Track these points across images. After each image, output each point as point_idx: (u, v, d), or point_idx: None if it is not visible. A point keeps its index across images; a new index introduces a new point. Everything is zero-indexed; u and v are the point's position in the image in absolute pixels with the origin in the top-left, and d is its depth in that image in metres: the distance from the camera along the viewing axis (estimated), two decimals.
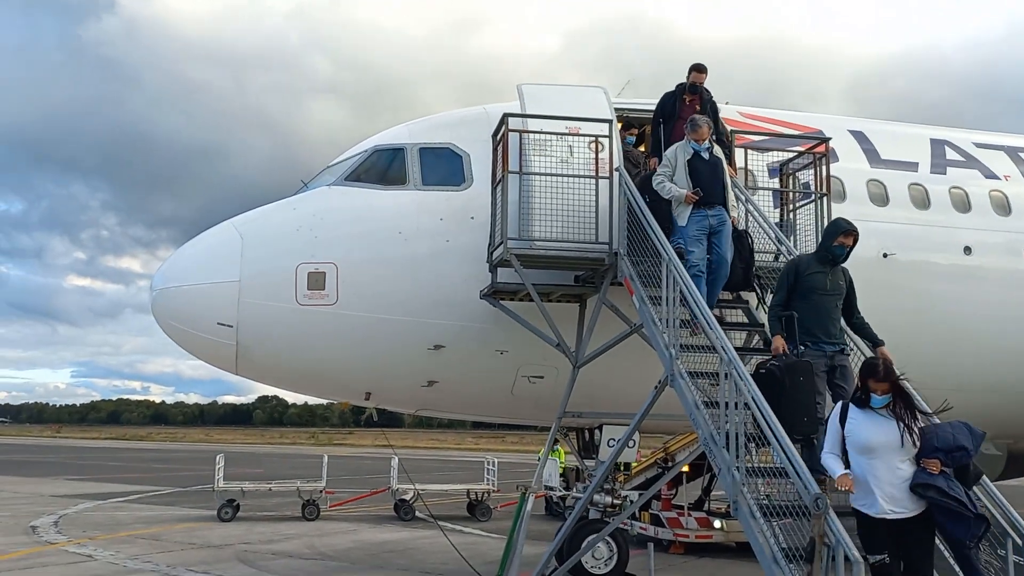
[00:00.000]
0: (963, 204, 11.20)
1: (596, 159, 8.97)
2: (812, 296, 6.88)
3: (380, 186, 10.09)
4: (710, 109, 9.31)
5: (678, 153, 8.35)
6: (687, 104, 9.30)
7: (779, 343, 6.78)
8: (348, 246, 9.75)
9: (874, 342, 7.07)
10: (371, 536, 15.61)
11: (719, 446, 6.33)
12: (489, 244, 9.38)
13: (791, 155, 9.85)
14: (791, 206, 9.77)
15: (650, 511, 14.43)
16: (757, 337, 8.36)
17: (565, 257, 8.93)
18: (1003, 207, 11.28)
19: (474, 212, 9.74)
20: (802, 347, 6.79)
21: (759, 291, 8.48)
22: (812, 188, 9.53)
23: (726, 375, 6.37)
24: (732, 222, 8.32)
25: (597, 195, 8.91)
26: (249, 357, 9.85)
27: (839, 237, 7.00)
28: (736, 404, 6.20)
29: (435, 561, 12.49)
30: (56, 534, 15.19)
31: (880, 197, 10.90)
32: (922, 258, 10.82)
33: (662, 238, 7.68)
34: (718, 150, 8.57)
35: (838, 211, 9.90)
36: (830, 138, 9.69)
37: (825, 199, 9.28)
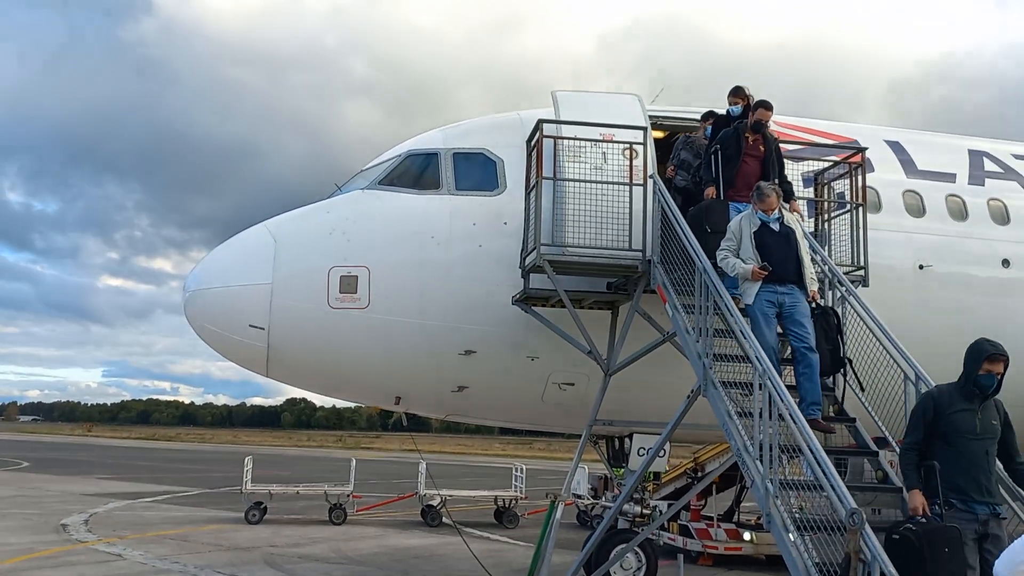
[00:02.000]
0: (1001, 216, 11.01)
1: (630, 166, 8.95)
2: (958, 441, 5.51)
3: (413, 191, 10.13)
4: (775, 151, 8.66)
5: (743, 225, 7.46)
6: (750, 144, 8.59)
7: (918, 501, 5.45)
8: (381, 250, 9.79)
9: None
10: (397, 541, 15.64)
11: (752, 457, 6.26)
12: (522, 250, 9.39)
13: (826, 165, 9.75)
14: (826, 216, 9.67)
15: (679, 522, 14.30)
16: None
17: (598, 264, 8.90)
18: None
19: (507, 218, 9.75)
20: (945, 505, 5.46)
21: (854, 375, 7.35)
22: (847, 198, 9.42)
23: (760, 385, 6.29)
24: (812, 297, 7.34)
25: (631, 202, 8.88)
26: (280, 359, 9.92)
27: (984, 364, 5.63)
28: (770, 415, 6.13)
29: (462, 569, 12.47)
30: (86, 532, 15.39)
31: (916, 208, 10.75)
32: (959, 270, 10.64)
33: (696, 246, 7.62)
34: (790, 218, 7.64)
35: (873, 222, 9.82)
36: (866, 148, 9.59)
37: (860, 209, 9.16)
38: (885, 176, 10.71)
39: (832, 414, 7.25)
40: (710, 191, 8.63)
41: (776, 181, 8.25)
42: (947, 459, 5.48)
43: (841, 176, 9.43)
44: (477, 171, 10.10)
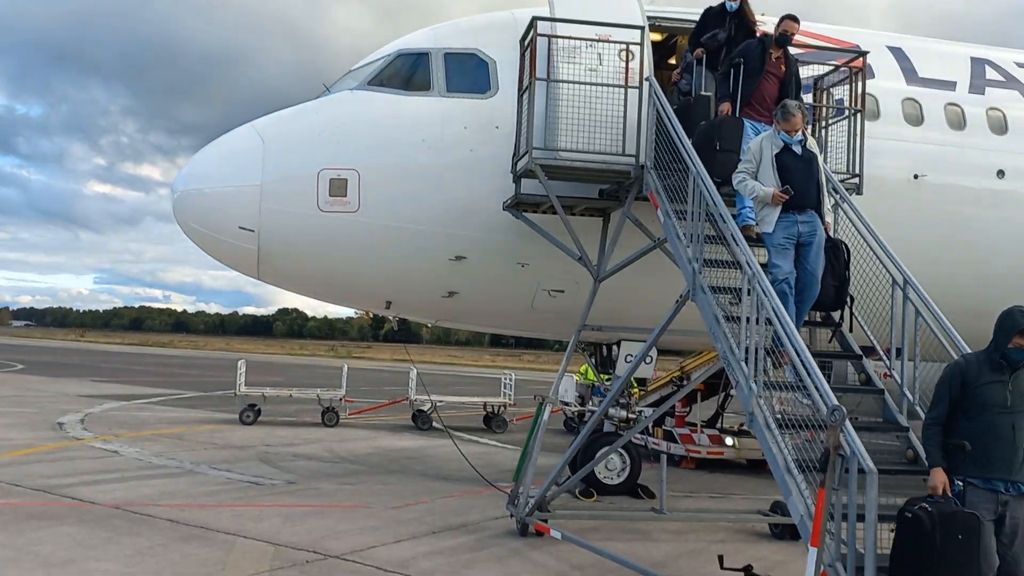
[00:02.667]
0: (1000, 126, 10.88)
1: (627, 68, 8.74)
2: (984, 414, 5.09)
3: (404, 92, 9.92)
4: (795, 73, 8.31)
5: (764, 146, 7.03)
6: (773, 61, 8.22)
7: (939, 479, 5.03)
8: (370, 153, 9.65)
9: None
10: (389, 443, 15.99)
11: (738, 359, 6.33)
12: (514, 154, 9.26)
13: (826, 70, 9.55)
14: (823, 123, 9.53)
15: (664, 427, 14.63)
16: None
17: (590, 169, 8.79)
18: None
19: (499, 121, 9.58)
20: (959, 482, 5.09)
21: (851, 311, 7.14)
22: (846, 105, 9.27)
23: (748, 290, 6.31)
24: (826, 228, 7.02)
25: (626, 105, 8.71)
26: (270, 262, 9.90)
27: (1015, 337, 5.13)
28: (757, 320, 6.17)
29: (451, 468, 12.80)
30: (82, 430, 15.66)
31: (915, 117, 10.61)
32: (954, 181, 10.59)
33: (691, 151, 7.51)
34: (812, 142, 7.23)
35: (871, 130, 9.69)
36: (867, 52, 9.37)
37: (859, 116, 9.03)
38: (885, 83, 10.53)
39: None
40: (725, 107, 8.26)
41: (807, 127, 7.92)
42: (972, 433, 5.08)
43: (840, 82, 9.25)
44: (469, 72, 9.87)
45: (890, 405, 6.46)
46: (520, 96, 9.13)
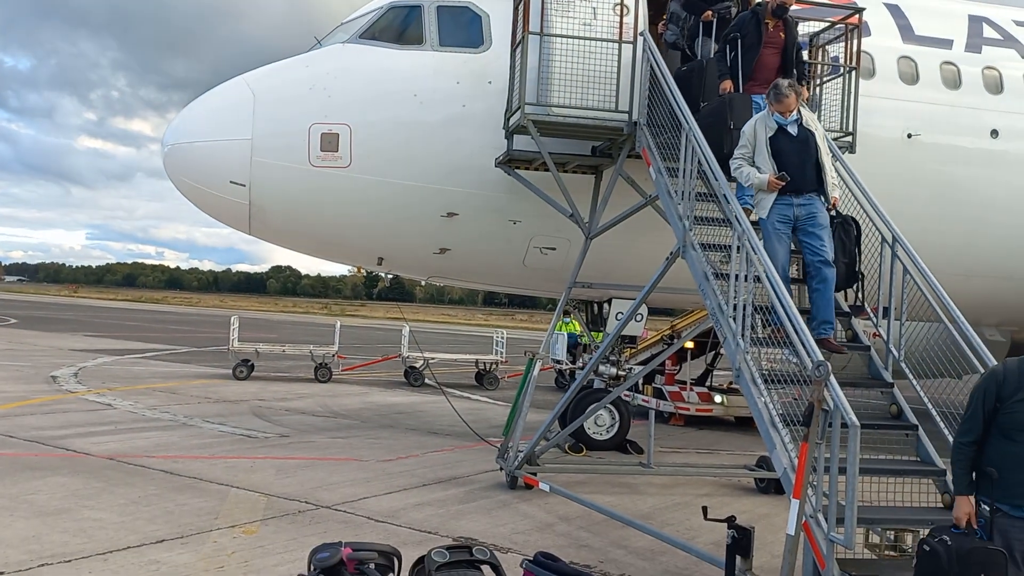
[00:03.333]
0: (996, 85, 10.84)
1: (620, 23, 8.66)
2: (1020, 436, 4.23)
3: (396, 45, 9.82)
4: (794, 40, 8.03)
5: (758, 129, 6.76)
6: (771, 31, 7.92)
7: (964, 510, 4.33)
8: (362, 107, 9.58)
9: None
10: (381, 399, 16.12)
11: (726, 315, 6.38)
12: (506, 110, 9.21)
13: (823, 26, 9.46)
14: (818, 80, 9.47)
15: (653, 385, 14.77)
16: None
17: (583, 126, 8.75)
18: None
19: (492, 77, 9.50)
20: (986, 507, 4.29)
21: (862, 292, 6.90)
22: (841, 62, 9.21)
23: (739, 247, 6.34)
24: (833, 204, 6.73)
25: (619, 61, 8.64)
26: (262, 218, 9.88)
27: None
28: (746, 277, 6.21)
29: (443, 423, 12.93)
30: (76, 384, 15.74)
31: (910, 76, 10.56)
32: (947, 140, 10.58)
33: (684, 107, 7.47)
34: (809, 118, 6.88)
35: (865, 89, 9.65)
36: (864, 9, 9.28)
37: (854, 73, 8.97)
38: (881, 41, 10.46)
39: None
40: (726, 84, 7.99)
41: (795, 73, 7.81)
42: (1003, 456, 4.24)
43: (836, 38, 9.18)
44: (462, 26, 9.77)
45: (876, 362, 6.53)
46: (513, 51, 9.04)
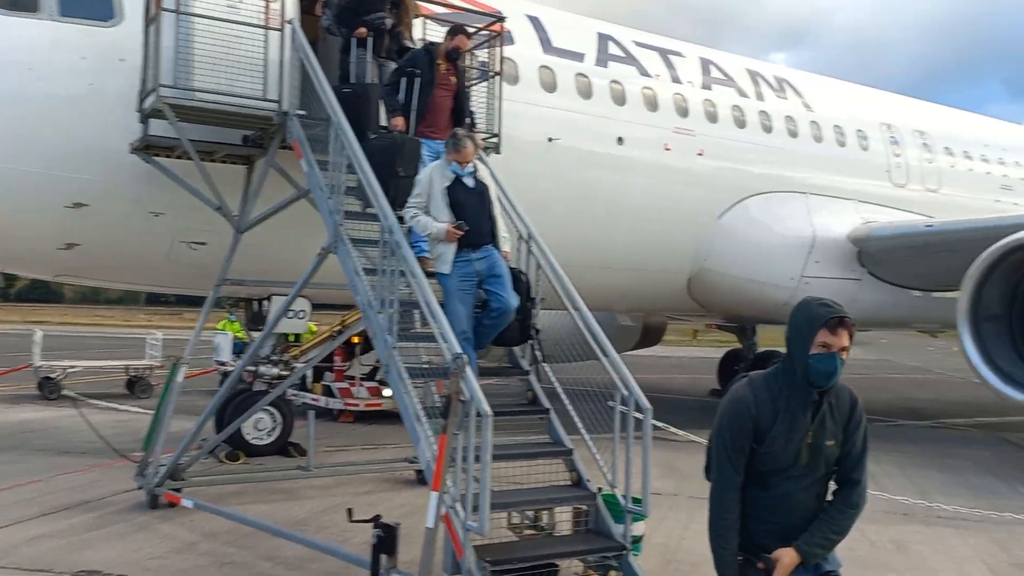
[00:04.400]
0: (621, 98, 12.11)
1: (267, 7, 8.26)
2: (776, 479, 3.37)
3: (5, 11, 8.49)
4: (465, 94, 7.97)
5: (434, 177, 6.48)
6: (443, 72, 7.71)
7: None
8: None
9: None
10: (6, 416, 13.97)
11: (375, 311, 6.35)
12: (140, 91, 8.36)
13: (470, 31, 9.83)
14: (466, 84, 9.81)
15: (323, 382, 14.50)
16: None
17: (228, 112, 8.18)
18: (652, 104, 12.39)
19: (125, 53, 8.57)
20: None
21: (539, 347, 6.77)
22: (487, 68, 9.63)
23: (386, 242, 6.34)
24: (505, 257, 6.57)
25: (267, 48, 8.24)
26: None
27: (821, 332, 3.27)
28: (396, 272, 6.22)
29: (80, 440, 11.53)
30: None
31: (550, 84, 11.41)
32: (582, 145, 11.60)
33: (333, 100, 7.31)
34: (484, 172, 6.77)
35: (511, 94, 10.22)
36: (505, 18, 9.80)
37: (498, 78, 9.44)
38: (524, 50, 11.17)
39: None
40: (398, 121, 7.60)
41: (468, 120, 7.78)
42: (756, 508, 3.38)
43: (480, 44, 9.58)
44: None
45: (514, 351, 6.89)
46: (147, 27, 8.23)
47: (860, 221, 14.05)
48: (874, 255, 13.79)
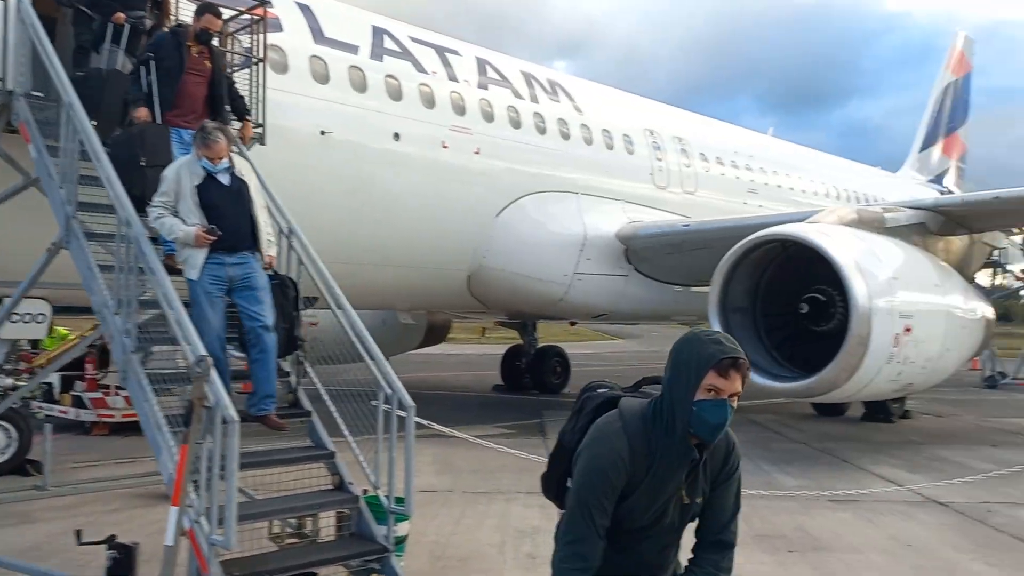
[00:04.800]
0: (397, 93, 11.95)
1: None
2: (641, 536, 2.88)
3: None
4: (227, 78, 7.44)
5: (182, 174, 5.90)
6: (194, 56, 7.08)
7: None
8: None
9: None
10: None
11: (111, 311, 5.78)
12: None
13: (232, 14, 9.25)
14: (230, 70, 9.26)
15: (72, 393, 13.18)
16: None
17: None
18: (429, 101, 12.34)
19: None
20: None
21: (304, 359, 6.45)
22: (251, 54, 9.12)
23: (123, 236, 5.79)
24: (269, 263, 6.16)
25: None
26: None
27: (710, 374, 2.74)
28: (131, 268, 5.69)
29: None
30: None
31: (322, 75, 11.03)
32: (357, 139, 11.30)
33: (62, 75, 6.59)
34: (241, 165, 6.25)
35: (279, 83, 9.79)
36: (270, 4, 9.33)
37: (261, 65, 8.96)
38: (294, 39, 10.72)
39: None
40: (141, 112, 6.88)
41: (228, 106, 7.21)
42: (604, 565, 2.81)
43: (243, 28, 9.06)
44: None
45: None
46: None
47: (626, 220, 14.86)
48: (639, 252, 14.64)
